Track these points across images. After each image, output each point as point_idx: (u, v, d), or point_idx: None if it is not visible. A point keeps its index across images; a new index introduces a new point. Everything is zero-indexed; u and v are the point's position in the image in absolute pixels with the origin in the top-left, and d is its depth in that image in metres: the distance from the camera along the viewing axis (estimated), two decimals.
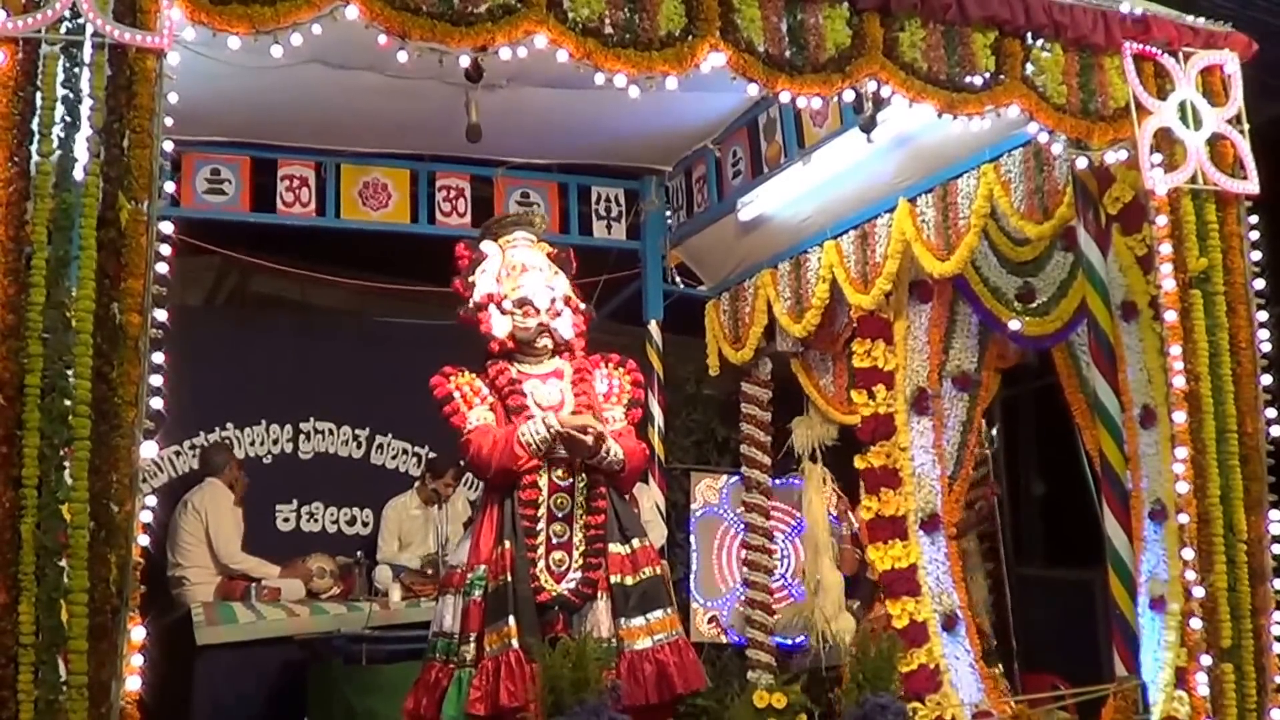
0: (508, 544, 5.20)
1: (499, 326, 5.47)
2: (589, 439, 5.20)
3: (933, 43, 5.52)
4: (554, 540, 5.25)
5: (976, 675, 7.07)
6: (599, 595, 5.25)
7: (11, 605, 3.95)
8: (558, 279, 5.60)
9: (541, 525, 5.24)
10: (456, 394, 5.41)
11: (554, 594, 5.18)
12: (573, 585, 5.21)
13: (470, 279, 5.58)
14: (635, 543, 5.37)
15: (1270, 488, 5.66)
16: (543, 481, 5.28)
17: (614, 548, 5.31)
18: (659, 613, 5.28)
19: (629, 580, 5.28)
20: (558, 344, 5.52)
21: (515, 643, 5.03)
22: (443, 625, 5.31)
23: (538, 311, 5.45)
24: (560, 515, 5.28)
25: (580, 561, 5.25)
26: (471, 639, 5.15)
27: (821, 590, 8.24)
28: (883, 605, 7.64)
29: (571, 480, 5.30)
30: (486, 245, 5.65)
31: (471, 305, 5.54)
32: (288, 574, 8.22)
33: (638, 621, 5.23)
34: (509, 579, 5.14)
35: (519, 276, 5.50)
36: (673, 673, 5.17)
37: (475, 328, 5.53)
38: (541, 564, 5.21)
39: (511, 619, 5.07)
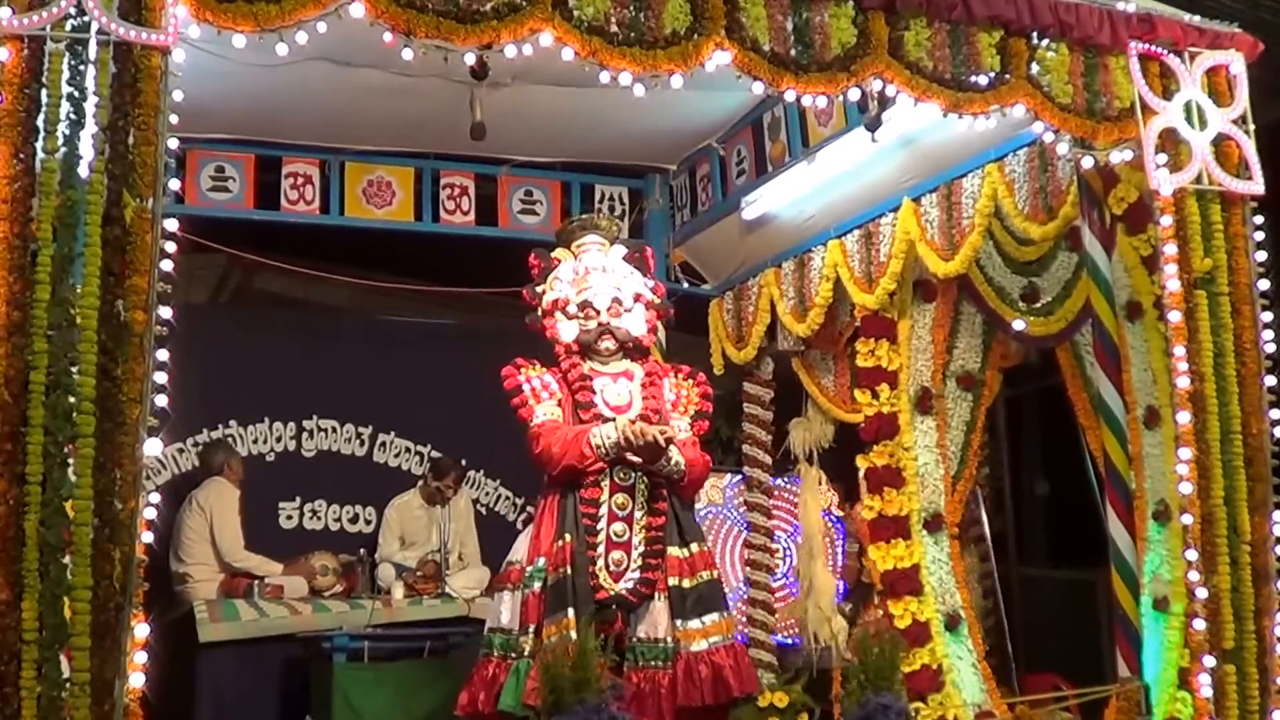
0: (568, 537, 5.24)
1: (565, 331, 5.54)
2: (659, 440, 5.21)
3: (938, 42, 5.52)
4: (614, 540, 5.29)
5: (979, 675, 7.07)
6: (657, 595, 5.28)
7: (15, 602, 3.95)
8: (629, 279, 5.62)
9: (602, 524, 5.28)
10: (526, 386, 5.44)
11: (612, 593, 5.22)
12: (630, 585, 5.25)
13: (539, 288, 5.62)
14: (694, 546, 5.41)
15: (1275, 489, 5.65)
16: (605, 481, 5.32)
17: (673, 550, 5.35)
18: (715, 616, 5.32)
19: (686, 583, 5.32)
20: (622, 343, 5.55)
21: (574, 635, 5.02)
22: (499, 621, 5.34)
23: (597, 313, 5.50)
24: (621, 515, 5.31)
25: (639, 562, 5.29)
26: (530, 630, 5.18)
27: (814, 592, 8.25)
28: (876, 610, 7.65)
29: (633, 481, 5.33)
30: (559, 252, 5.70)
31: (539, 313, 5.58)
32: (291, 572, 8.23)
33: (694, 624, 5.27)
34: (568, 572, 5.17)
35: (585, 279, 5.54)
36: (728, 675, 5.21)
37: (542, 334, 5.58)
38: (601, 563, 5.25)
39: (570, 611, 5.10)
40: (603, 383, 5.48)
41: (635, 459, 5.27)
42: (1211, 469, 5.56)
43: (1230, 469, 5.58)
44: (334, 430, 9.23)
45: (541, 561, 5.25)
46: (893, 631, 5.78)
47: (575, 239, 5.73)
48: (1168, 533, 6.25)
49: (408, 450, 9.41)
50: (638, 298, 5.61)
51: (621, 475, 5.32)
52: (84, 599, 3.98)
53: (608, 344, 5.51)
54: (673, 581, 5.30)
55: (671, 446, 5.28)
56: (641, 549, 5.29)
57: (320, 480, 9.11)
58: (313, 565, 8.32)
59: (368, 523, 9.12)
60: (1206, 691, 5.45)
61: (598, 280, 5.54)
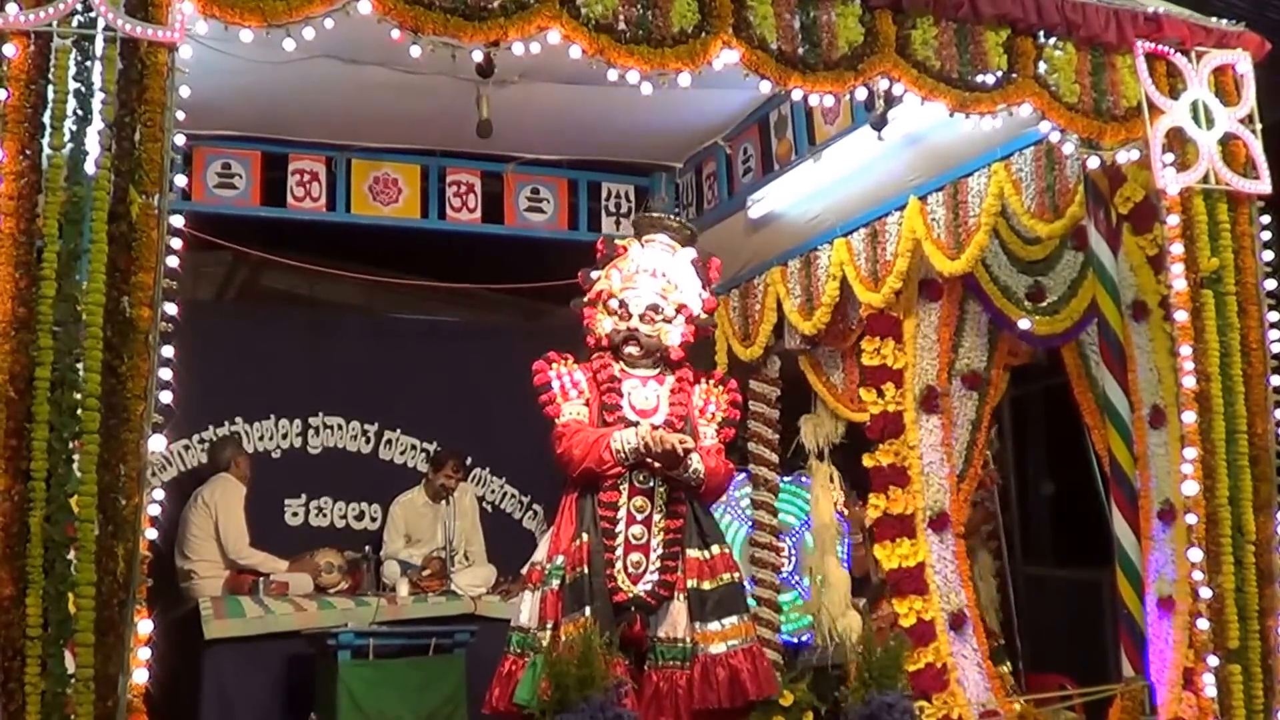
0: (586, 537, 5.23)
1: (601, 324, 5.50)
2: (678, 449, 5.20)
3: (945, 41, 5.52)
4: (632, 542, 5.27)
5: (983, 674, 7.06)
6: (676, 595, 5.28)
7: (19, 598, 3.97)
8: (681, 288, 5.53)
9: (620, 527, 5.27)
10: (556, 383, 5.43)
11: (630, 595, 5.21)
12: (649, 587, 5.24)
13: (595, 274, 5.58)
14: (714, 549, 5.39)
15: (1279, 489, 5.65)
16: (624, 485, 5.30)
17: (692, 552, 5.33)
18: (734, 619, 5.30)
19: (706, 585, 5.31)
20: (648, 351, 5.49)
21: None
22: (519, 620, 5.34)
23: (629, 317, 5.46)
24: (639, 518, 5.30)
25: (657, 564, 5.27)
26: (548, 627, 5.18)
27: (827, 588, 8.25)
28: (889, 604, 7.64)
29: (652, 485, 5.32)
30: (628, 241, 5.64)
31: (585, 300, 5.56)
32: (296, 568, 8.24)
33: (713, 626, 5.26)
34: (585, 572, 5.17)
35: (634, 279, 5.49)
36: (745, 678, 5.20)
37: (580, 321, 5.57)
38: (619, 565, 5.24)
39: (588, 610, 5.09)
40: (631, 385, 5.46)
41: (655, 465, 5.27)
42: (1216, 469, 5.55)
43: (1235, 469, 5.57)
44: (340, 427, 9.25)
45: (560, 559, 5.26)
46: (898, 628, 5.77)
47: (645, 234, 5.65)
48: (1172, 532, 6.25)
49: (413, 447, 9.42)
50: (681, 308, 5.54)
51: (640, 479, 5.31)
52: (88, 595, 3.99)
53: (632, 349, 5.48)
54: (691, 583, 5.29)
55: (692, 455, 5.28)
56: (660, 551, 5.28)
57: (326, 477, 9.14)
58: (318, 562, 8.33)
59: (373, 520, 9.13)
60: (1210, 691, 5.45)
61: (644, 283, 5.47)
